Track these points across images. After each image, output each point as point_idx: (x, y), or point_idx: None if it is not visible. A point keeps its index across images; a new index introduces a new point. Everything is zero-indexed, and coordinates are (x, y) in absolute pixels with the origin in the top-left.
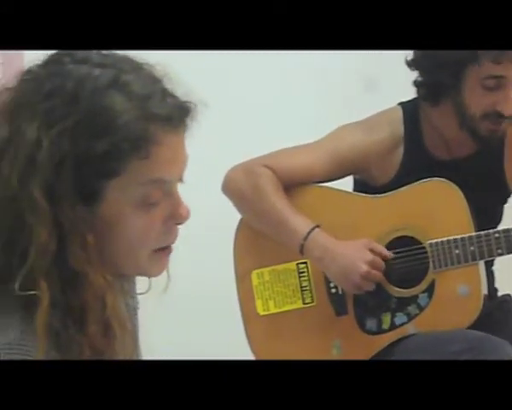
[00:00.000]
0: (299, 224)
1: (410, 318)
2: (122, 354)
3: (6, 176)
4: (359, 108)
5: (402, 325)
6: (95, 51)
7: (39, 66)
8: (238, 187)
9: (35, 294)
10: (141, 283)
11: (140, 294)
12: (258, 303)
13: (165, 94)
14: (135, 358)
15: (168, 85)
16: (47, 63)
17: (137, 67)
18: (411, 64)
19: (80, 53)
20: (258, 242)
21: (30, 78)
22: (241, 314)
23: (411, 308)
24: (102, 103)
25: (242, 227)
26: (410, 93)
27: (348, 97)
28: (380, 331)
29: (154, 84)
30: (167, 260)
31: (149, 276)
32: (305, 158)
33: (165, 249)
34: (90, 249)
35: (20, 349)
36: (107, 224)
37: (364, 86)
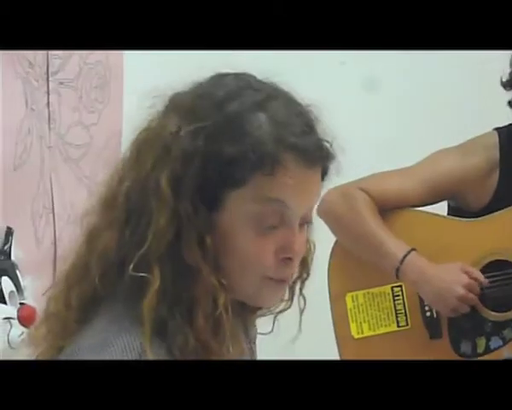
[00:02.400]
0: (395, 247)
1: (506, 341)
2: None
3: (142, 160)
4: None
5: (497, 348)
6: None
7: (208, 78)
8: (334, 210)
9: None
10: None
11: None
12: (353, 326)
13: (308, 129)
14: None
15: (315, 124)
16: (213, 75)
17: (291, 100)
18: (506, 85)
19: (242, 74)
20: (353, 264)
21: (193, 85)
22: (335, 336)
23: (507, 332)
24: (244, 116)
25: (337, 249)
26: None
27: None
28: (474, 355)
29: (300, 117)
30: (281, 291)
31: (259, 304)
32: (400, 182)
33: (278, 281)
34: (207, 249)
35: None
36: (224, 235)
37: (364, 86)
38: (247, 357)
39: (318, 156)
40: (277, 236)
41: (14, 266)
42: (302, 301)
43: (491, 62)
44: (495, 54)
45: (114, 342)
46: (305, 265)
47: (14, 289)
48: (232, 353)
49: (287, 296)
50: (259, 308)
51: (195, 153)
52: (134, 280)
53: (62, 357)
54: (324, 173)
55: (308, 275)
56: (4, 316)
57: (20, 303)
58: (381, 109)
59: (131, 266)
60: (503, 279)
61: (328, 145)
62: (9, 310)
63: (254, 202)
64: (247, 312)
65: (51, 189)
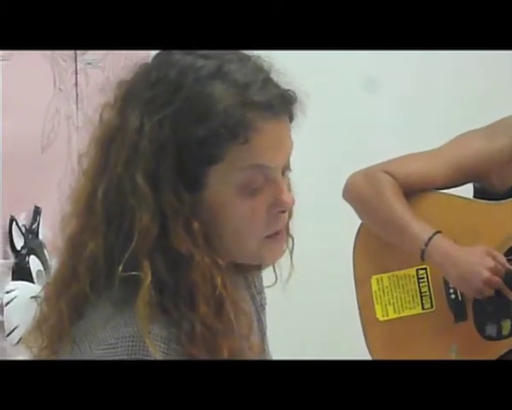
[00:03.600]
0: (421, 229)
1: None
2: (245, 342)
3: (113, 162)
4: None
5: None
6: None
7: (152, 58)
8: (359, 193)
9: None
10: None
11: (267, 287)
12: (378, 308)
13: (267, 82)
14: (262, 353)
15: (272, 75)
16: (157, 55)
17: (242, 58)
18: None
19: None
20: (378, 247)
21: (141, 70)
22: (360, 319)
23: None
24: (203, 91)
25: (362, 232)
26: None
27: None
28: (499, 337)
29: (257, 73)
30: (280, 246)
31: (263, 263)
32: (425, 165)
33: (275, 236)
34: (196, 234)
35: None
36: (212, 211)
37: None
38: (254, 325)
39: (284, 105)
40: (265, 194)
41: (42, 246)
42: (290, 242)
43: (492, 62)
44: (495, 54)
45: (115, 316)
46: None
47: (41, 268)
48: (238, 325)
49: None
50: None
51: (165, 142)
52: (126, 280)
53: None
54: (291, 119)
55: (291, 215)
56: (32, 295)
57: (47, 282)
58: (381, 109)
59: (120, 268)
60: None
61: (289, 91)
62: (37, 289)
63: (235, 173)
64: (249, 269)
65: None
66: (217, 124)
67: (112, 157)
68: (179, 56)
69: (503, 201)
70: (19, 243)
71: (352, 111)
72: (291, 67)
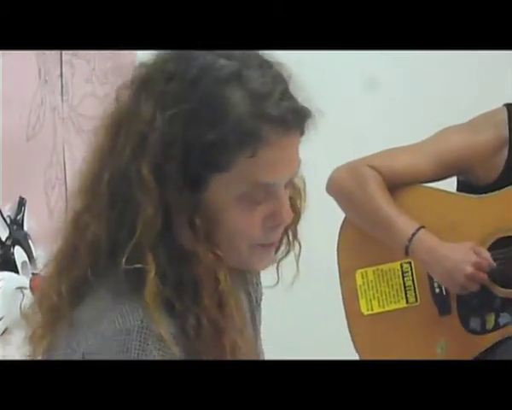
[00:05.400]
0: (404, 225)
1: None
2: (239, 336)
3: (120, 148)
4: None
5: (506, 324)
6: None
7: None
8: (343, 187)
9: (141, 269)
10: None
11: (267, 287)
12: (362, 303)
13: (284, 95)
14: (254, 348)
15: (290, 87)
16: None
17: (263, 64)
18: None
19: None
20: (362, 241)
21: (160, 58)
22: (345, 313)
23: None
24: (219, 94)
25: (346, 226)
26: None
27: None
28: (484, 331)
29: (276, 84)
30: (270, 256)
31: (250, 269)
32: (409, 159)
33: (267, 246)
34: (199, 230)
35: (140, 337)
36: (210, 213)
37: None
38: (248, 319)
39: (297, 121)
40: (264, 208)
41: (26, 237)
42: (297, 246)
43: (491, 62)
44: (495, 54)
45: (113, 307)
46: (296, 210)
47: (26, 259)
48: (235, 320)
49: (284, 243)
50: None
51: (174, 139)
52: (127, 271)
53: (59, 335)
54: (302, 134)
55: (300, 218)
56: (17, 286)
57: (33, 273)
58: (380, 109)
59: (124, 260)
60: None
61: (303, 106)
62: (22, 280)
63: (238, 186)
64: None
65: (64, 160)
66: (227, 130)
67: (120, 141)
68: (199, 53)
69: (486, 195)
70: (3, 233)
71: (352, 111)
72: (291, 66)
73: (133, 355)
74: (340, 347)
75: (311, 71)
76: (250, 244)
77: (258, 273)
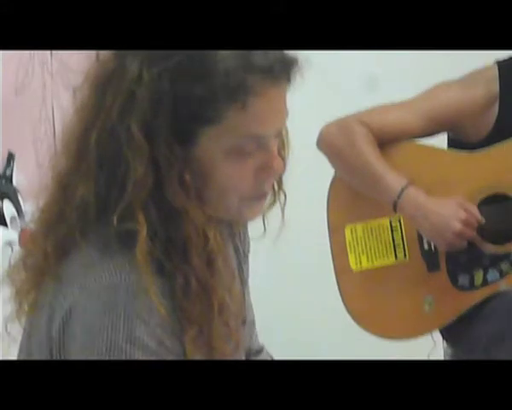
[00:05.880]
0: (393, 181)
1: (503, 274)
2: (227, 292)
3: (108, 107)
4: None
5: (494, 281)
6: None
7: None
8: (333, 143)
9: (133, 228)
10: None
11: (254, 239)
12: (351, 258)
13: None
14: (242, 304)
15: None
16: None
17: None
18: None
19: None
20: (352, 196)
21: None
22: (334, 268)
23: (504, 265)
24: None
25: (336, 182)
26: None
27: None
28: (472, 288)
29: None
30: (260, 206)
31: (240, 220)
32: (399, 115)
33: (258, 197)
34: (189, 187)
35: (126, 291)
36: (201, 167)
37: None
38: (236, 276)
39: (284, 68)
40: (255, 159)
41: (15, 191)
42: (283, 196)
43: (491, 62)
44: (495, 54)
45: (101, 263)
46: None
47: (15, 213)
48: (224, 278)
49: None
50: None
51: (163, 95)
52: (119, 230)
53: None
54: (289, 81)
55: (285, 168)
56: (6, 240)
57: (22, 228)
58: None
59: (115, 219)
60: (500, 212)
61: (290, 54)
62: (11, 234)
63: (228, 138)
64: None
65: (53, 115)
66: (216, 84)
67: (107, 101)
68: None
69: (476, 151)
70: None
71: (351, 111)
72: None
73: (119, 311)
74: (327, 301)
75: (311, 71)
76: (241, 198)
77: (246, 225)
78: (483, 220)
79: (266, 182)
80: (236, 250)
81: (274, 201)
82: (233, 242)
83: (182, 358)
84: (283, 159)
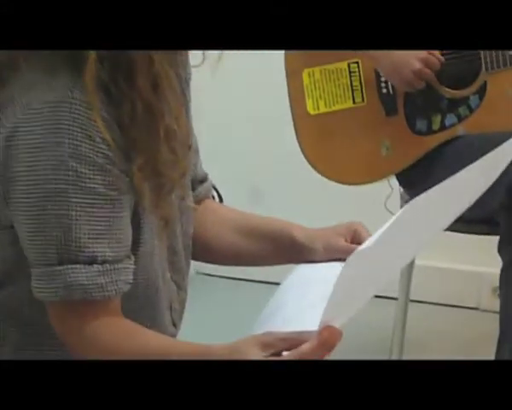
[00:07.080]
0: None
1: (460, 119)
2: (173, 119)
3: None
4: None
5: (452, 126)
6: None
7: None
8: None
9: (82, 51)
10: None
11: (194, 66)
12: (309, 103)
13: None
14: (189, 132)
15: None
16: None
17: None
18: None
19: None
20: None
21: None
22: (291, 113)
23: (462, 110)
24: None
25: None
26: None
27: None
28: (429, 132)
29: None
30: None
31: None
32: None
33: None
34: None
35: (70, 107)
36: None
37: None
38: (183, 107)
39: None
40: None
41: None
42: None
43: None
44: None
45: (42, 81)
46: None
47: None
48: (172, 108)
49: None
50: None
51: None
52: (72, 57)
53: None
54: None
55: None
56: None
57: None
58: None
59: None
60: (460, 57)
61: None
62: None
63: None
64: None
65: None
66: None
67: None
68: None
69: None
70: None
71: None
72: None
73: (64, 127)
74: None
75: None
76: None
77: (187, 53)
78: (443, 60)
79: None
80: (179, 78)
81: None
82: (175, 70)
83: (129, 184)
84: None
